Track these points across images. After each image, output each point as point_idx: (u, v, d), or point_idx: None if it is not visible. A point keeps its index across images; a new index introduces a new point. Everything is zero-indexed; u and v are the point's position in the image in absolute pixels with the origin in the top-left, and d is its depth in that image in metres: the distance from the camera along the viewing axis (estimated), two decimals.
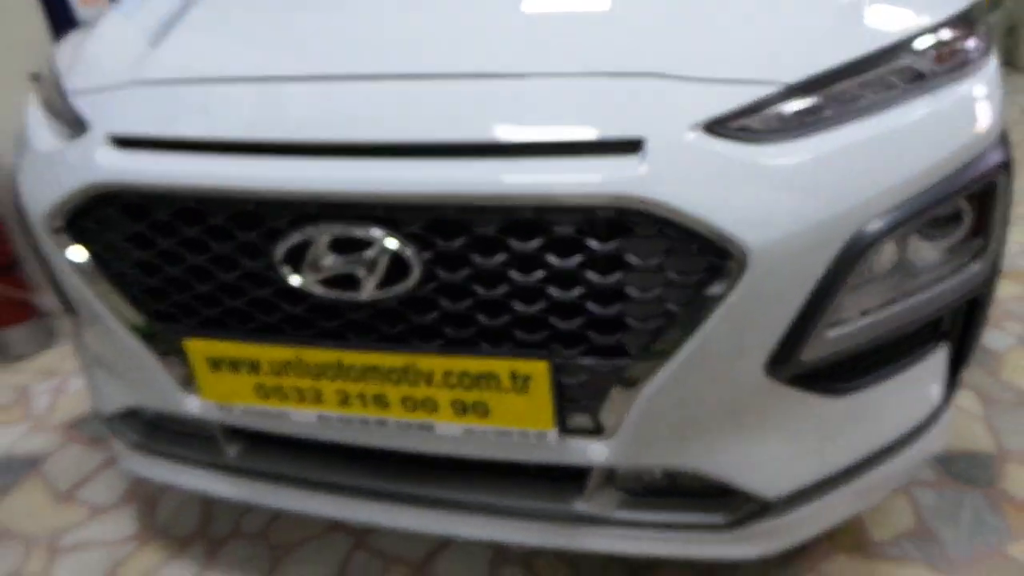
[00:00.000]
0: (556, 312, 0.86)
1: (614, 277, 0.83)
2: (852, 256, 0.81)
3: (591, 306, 0.85)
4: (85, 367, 1.25)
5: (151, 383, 1.08)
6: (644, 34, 0.89)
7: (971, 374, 1.66)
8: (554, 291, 0.85)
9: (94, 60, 1.10)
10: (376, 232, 0.85)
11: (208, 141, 0.92)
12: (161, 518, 1.45)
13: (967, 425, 1.52)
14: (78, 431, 1.73)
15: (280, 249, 0.89)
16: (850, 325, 0.86)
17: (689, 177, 0.77)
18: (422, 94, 0.89)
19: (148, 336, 1.03)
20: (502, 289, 0.86)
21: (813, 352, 0.85)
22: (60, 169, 0.99)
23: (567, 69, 0.86)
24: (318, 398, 0.97)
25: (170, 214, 0.94)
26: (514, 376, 0.87)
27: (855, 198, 0.81)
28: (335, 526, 1.38)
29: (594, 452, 0.93)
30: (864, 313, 0.87)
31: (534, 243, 0.83)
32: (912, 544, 1.26)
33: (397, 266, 0.86)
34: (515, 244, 0.83)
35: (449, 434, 0.95)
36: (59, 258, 1.01)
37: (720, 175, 0.78)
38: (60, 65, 1.17)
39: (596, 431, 0.92)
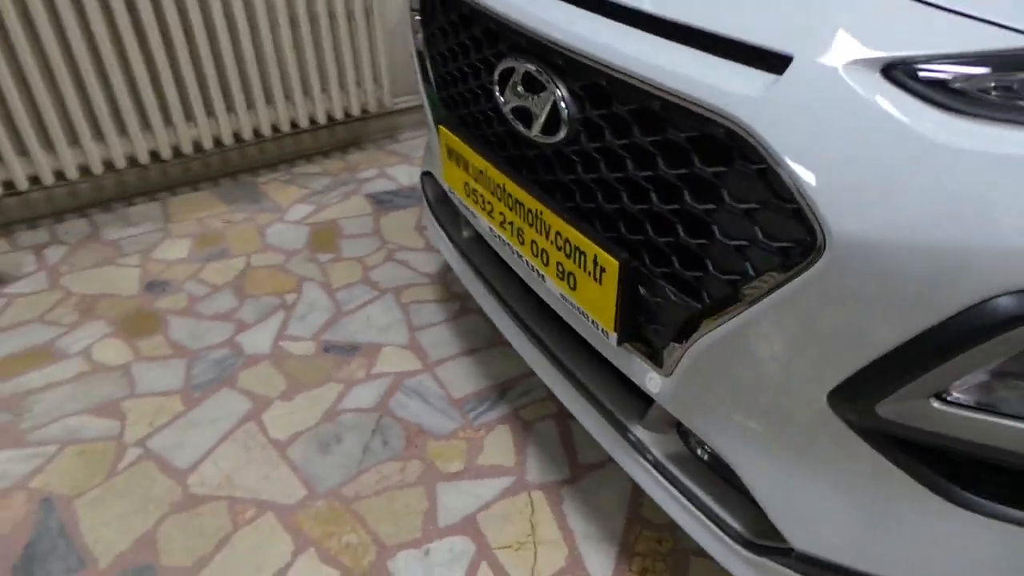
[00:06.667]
0: (651, 221, 0.81)
1: (708, 207, 0.73)
2: (997, 321, 0.55)
3: (681, 232, 0.77)
4: None
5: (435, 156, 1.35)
6: None
7: None
8: (653, 195, 0.79)
9: None
10: (550, 80, 0.89)
11: None
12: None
13: None
14: None
15: (496, 71, 1.00)
16: (974, 411, 0.61)
17: (824, 127, 0.61)
18: None
19: (436, 117, 1.28)
20: (618, 174, 0.83)
21: (898, 413, 0.63)
22: None
23: None
24: (491, 212, 1.10)
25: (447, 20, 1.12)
26: (596, 262, 0.86)
27: None
28: None
29: (651, 382, 0.88)
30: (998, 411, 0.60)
31: (649, 139, 0.77)
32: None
33: (554, 118, 0.90)
34: (637, 135, 0.79)
35: (554, 292, 1.00)
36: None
37: (874, 140, 0.59)
38: None
39: (653, 358, 0.86)
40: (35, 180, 1.99)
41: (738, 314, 0.71)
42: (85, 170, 2.05)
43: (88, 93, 1.92)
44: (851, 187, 0.59)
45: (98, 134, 2.01)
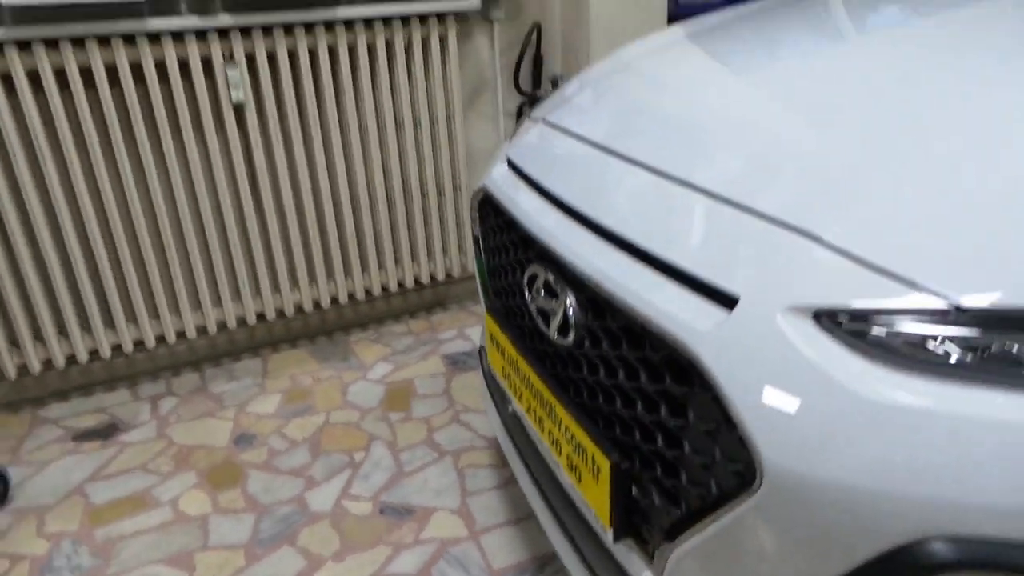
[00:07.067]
0: (638, 428, 0.87)
1: (677, 423, 0.79)
2: (920, 566, 0.57)
3: (660, 442, 0.83)
4: None
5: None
6: (827, 189, 0.75)
7: None
8: (639, 404, 0.86)
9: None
10: (562, 290, 1.01)
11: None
12: None
13: None
14: None
15: (526, 274, 1.13)
16: None
17: (760, 366, 0.68)
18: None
19: (486, 304, 1.42)
20: (612, 380, 0.91)
21: None
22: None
23: (728, 195, 0.81)
24: (520, 398, 1.19)
25: (495, 222, 1.28)
26: (594, 460, 0.93)
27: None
28: None
29: None
30: None
31: (633, 353, 0.85)
32: None
33: (566, 322, 1.00)
34: (624, 348, 0.87)
35: (567, 482, 1.05)
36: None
37: (801, 383, 0.65)
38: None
39: (648, 557, 0.89)
40: (161, 339, 2.29)
41: (706, 527, 0.75)
42: (202, 330, 2.34)
43: (213, 263, 2.24)
44: (784, 425, 0.64)
45: (216, 299, 2.31)
